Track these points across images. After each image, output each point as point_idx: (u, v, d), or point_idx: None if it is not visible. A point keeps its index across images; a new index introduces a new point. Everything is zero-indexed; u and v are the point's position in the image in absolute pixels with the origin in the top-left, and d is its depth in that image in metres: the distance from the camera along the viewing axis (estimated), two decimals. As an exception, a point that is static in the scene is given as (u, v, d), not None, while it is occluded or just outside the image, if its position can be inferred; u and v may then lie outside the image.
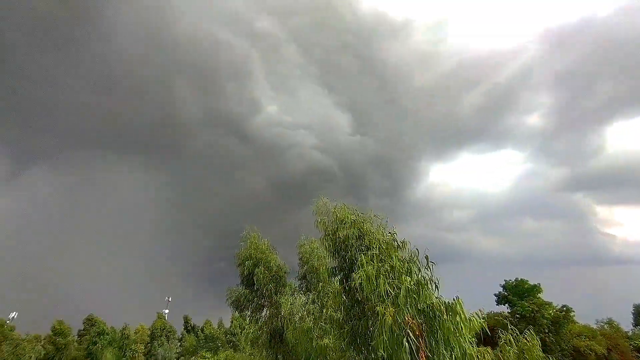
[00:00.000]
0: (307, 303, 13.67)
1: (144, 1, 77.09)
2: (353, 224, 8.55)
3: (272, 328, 13.32)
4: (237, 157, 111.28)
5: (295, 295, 13.82)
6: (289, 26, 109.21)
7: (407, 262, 7.46)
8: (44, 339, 26.13)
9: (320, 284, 12.82)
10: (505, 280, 33.28)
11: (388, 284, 6.65)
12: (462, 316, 6.19)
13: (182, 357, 34.99)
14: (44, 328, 28.50)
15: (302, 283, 14.29)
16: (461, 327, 6.13)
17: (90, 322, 31.10)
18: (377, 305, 6.54)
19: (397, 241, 8.10)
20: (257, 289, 13.37)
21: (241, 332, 39.19)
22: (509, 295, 32.07)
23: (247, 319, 15.06)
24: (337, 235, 8.57)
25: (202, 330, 36.98)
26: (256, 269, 13.33)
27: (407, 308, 6.30)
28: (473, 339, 6.53)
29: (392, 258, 7.41)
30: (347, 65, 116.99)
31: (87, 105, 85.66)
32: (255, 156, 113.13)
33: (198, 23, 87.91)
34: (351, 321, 8.06)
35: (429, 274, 7.20)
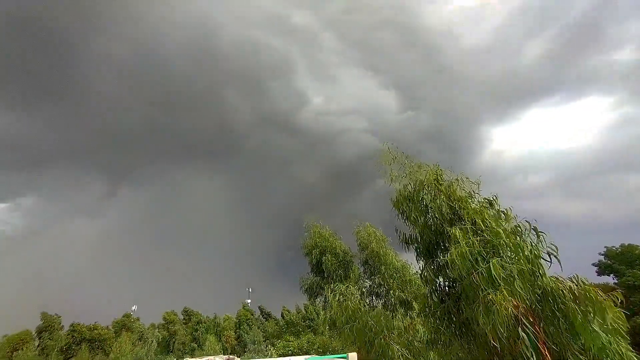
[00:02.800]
0: (373, 287, 13.70)
1: (185, 21, 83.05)
2: (435, 184, 7.07)
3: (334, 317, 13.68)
4: (289, 152, 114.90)
5: (360, 281, 14.01)
6: (323, 15, 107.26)
7: (515, 236, 6.09)
8: (158, 326, 31.26)
9: (384, 267, 12.69)
10: (606, 248, 28.85)
11: (491, 262, 5.53)
12: (594, 296, 5.00)
13: (267, 341, 37.94)
14: (156, 318, 33.90)
15: (365, 268, 14.34)
16: (591, 312, 5.04)
17: (186, 312, 35.87)
18: (480, 289, 5.51)
19: (497, 209, 6.63)
20: (328, 275, 13.79)
21: (317, 317, 41.26)
22: (613, 263, 27.77)
23: (322, 304, 15.58)
24: (415, 200, 7.20)
25: (283, 316, 39.72)
26: (323, 257, 13.72)
27: (520, 292, 5.26)
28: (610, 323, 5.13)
29: (494, 231, 6.04)
30: (388, 42, 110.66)
31: (152, 123, 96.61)
32: (307, 148, 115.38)
33: (237, 30, 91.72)
34: (443, 304, 7.07)
35: (541, 248, 5.84)
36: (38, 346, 24.50)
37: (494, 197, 6.85)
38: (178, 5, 79.72)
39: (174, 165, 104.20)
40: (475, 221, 6.28)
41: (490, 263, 5.51)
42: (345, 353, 11.08)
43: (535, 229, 6.06)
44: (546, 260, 5.88)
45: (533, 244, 5.95)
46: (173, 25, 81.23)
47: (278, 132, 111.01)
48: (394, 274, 11.57)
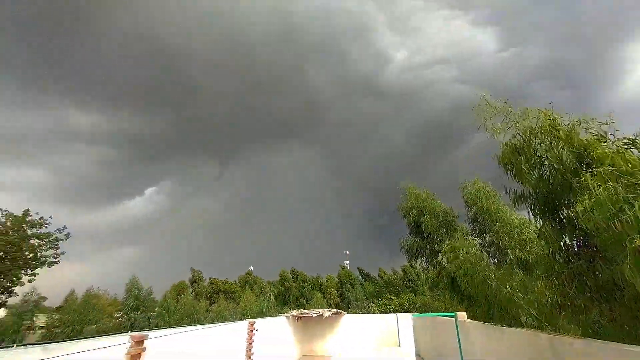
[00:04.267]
0: (483, 246, 12.88)
1: (263, 7, 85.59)
2: (550, 130, 5.99)
3: (449, 272, 13.43)
4: (375, 116, 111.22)
5: (468, 239, 13.26)
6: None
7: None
8: (274, 282, 36.96)
9: (498, 224, 11.71)
10: None
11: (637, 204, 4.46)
12: None
13: (368, 299, 40.11)
14: (269, 276, 39.70)
15: (473, 226, 13.51)
16: None
17: (294, 272, 40.59)
18: (627, 240, 4.45)
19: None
20: (428, 235, 13.63)
21: (417, 278, 41.45)
22: None
23: (424, 264, 15.58)
24: (526, 152, 6.28)
25: (381, 277, 41.31)
26: (422, 218, 13.54)
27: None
28: None
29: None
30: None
31: (246, 108, 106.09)
32: (392, 109, 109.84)
33: (309, 1, 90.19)
34: (570, 265, 6.21)
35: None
36: (192, 292, 32.28)
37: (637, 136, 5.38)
38: None
39: (267, 144, 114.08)
40: (613, 165, 5.10)
41: (637, 205, 4.41)
42: (452, 312, 11.09)
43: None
44: None
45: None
46: (253, 15, 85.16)
47: (361, 98, 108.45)
48: (511, 232, 10.65)
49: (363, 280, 41.74)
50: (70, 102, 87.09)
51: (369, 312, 32.18)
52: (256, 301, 31.38)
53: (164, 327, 20.55)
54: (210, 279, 37.16)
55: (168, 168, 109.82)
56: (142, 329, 20.76)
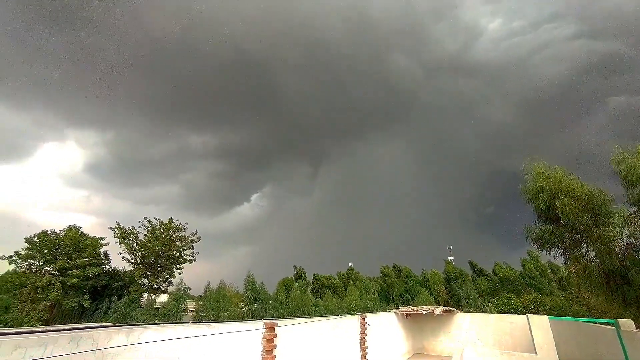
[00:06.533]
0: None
1: (339, 5, 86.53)
2: None
3: (605, 267, 10.63)
4: (470, 95, 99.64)
5: (629, 226, 10.28)
6: None
7: None
8: (375, 279, 36.67)
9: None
10: None
11: None
12: None
13: (481, 297, 36.07)
14: (369, 272, 39.56)
15: (638, 210, 10.38)
16: None
17: (396, 268, 39.36)
18: None
19: None
20: (566, 223, 11.14)
21: (540, 274, 35.09)
22: None
23: (561, 257, 12.86)
24: None
25: (495, 273, 36.54)
26: (557, 202, 11.14)
27: None
28: None
29: None
30: None
31: (331, 105, 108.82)
32: (490, 84, 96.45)
33: None
34: None
35: None
36: (298, 287, 34.81)
37: None
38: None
39: (355, 140, 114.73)
40: None
41: None
42: (613, 319, 8.69)
43: None
44: None
45: None
46: (330, 14, 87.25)
47: (451, 78, 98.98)
48: None
49: (476, 276, 37.69)
50: (188, 127, 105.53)
51: (484, 312, 28.75)
52: (360, 297, 31.68)
53: (278, 317, 22.71)
54: (314, 274, 39.29)
55: (269, 174, 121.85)
56: (261, 317, 23.33)
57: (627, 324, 8.03)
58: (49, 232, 24.19)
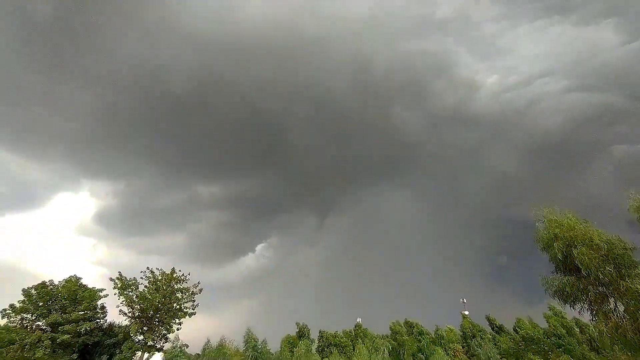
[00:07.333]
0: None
1: (344, 62, 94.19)
2: None
3: (639, 325, 9.71)
4: (473, 145, 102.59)
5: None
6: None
7: None
8: (384, 337, 33.81)
9: None
10: None
11: None
12: None
13: (503, 358, 32.94)
14: (379, 328, 36.74)
15: None
16: None
17: (408, 324, 36.56)
18: None
19: None
20: (588, 274, 10.48)
21: (568, 333, 32.16)
22: None
23: (587, 312, 11.88)
24: None
25: (515, 330, 33.68)
26: (574, 251, 10.63)
27: None
28: None
29: None
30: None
31: (337, 159, 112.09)
32: (491, 135, 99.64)
33: (388, 52, 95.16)
34: None
35: None
36: (303, 346, 32.18)
37: None
38: (339, 55, 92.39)
39: (362, 190, 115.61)
40: None
41: None
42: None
43: None
44: None
45: None
46: (337, 74, 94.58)
47: (453, 129, 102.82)
48: None
49: (495, 333, 34.75)
50: (197, 178, 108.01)
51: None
52: (370, 357, 29.07)
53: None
54: (320, 331, 36.64)
55: (274, 224, 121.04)
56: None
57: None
58: (48, 283, 23.50)
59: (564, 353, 29.00)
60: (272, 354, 27.01)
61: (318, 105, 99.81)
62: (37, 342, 20.44)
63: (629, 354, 11.13)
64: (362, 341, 33.19)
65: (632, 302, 9.70)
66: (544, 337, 32.78)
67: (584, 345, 31.56)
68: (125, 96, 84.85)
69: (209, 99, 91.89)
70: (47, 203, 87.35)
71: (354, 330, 36.37)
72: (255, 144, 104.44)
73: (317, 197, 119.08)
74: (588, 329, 30.80)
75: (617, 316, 10.39)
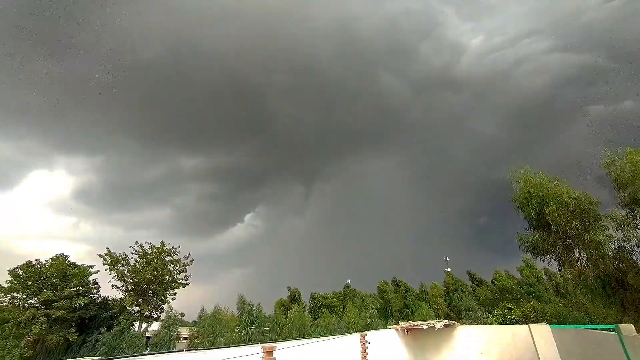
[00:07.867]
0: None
1: (329, 28, 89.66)
2: None
3: (599, 271, 10.71)
4: (457, 110, 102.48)
5: (622, 229, 10.47)
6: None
7: None
8: (372, 295, 36.04)
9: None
10: None
11: None
12: None
13: (482, 308, 35.73)
14: (367, 288, 38.92)
15: (630, 211, 10.63)
16: None
17: (395, 282, 38.86)
18: None
19: None
20: (557, 229, 11.29)
21: (538, 282, 35.08)
22: None
23: (555, 263, 12.92)
24: None
25: (493, 282, 36.40)
26: (546, 209, 11.33)
27: None
28: None
29: None
30: None
31: (323, 126, 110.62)
32: (477, 98, 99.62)
33: (372, 13, 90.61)
34: None
35: None
36: (297, 307, 34.01)
37: None
38: (320, 19, 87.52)
39: (348, 158, 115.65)
40: None
41: None
42: (612, 324, 8.67)
43: None
44: None
45: None
46: (320, 39, 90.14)
47: (439, 96, 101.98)
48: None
49: (475, 286, 37.40)
50: (179, 150, 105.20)
51: (484, 323, 28.32)
52: (359, 314, 31.00)
53: (277, 340, 21.96)
54: (311, 294, 38.45)
55: (262, 194, 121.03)
56: (259, 341, 22.54)
57: (627, 328, 7.96)
58: (34, 262, 23.32)
59: (534, 299, 31.88)
60: (267, 317, 28.41)
61: (300, 72, 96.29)
62: (32, 319, 20.71)
63: (589, 297, 12.23)
64: (352, 301, 35.22)
65: (595, 251, 10.56)
66: (517, 287, 35.77)
67: (551, 291, 34.84)
68: (96, 66, 79.08)
69: (186, 68, 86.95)
70: (21, 182, 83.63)
71: (344, 291, 38.41)
72: (237, 114, 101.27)
73: (303, 166, 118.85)
74: (555, 277, 33.88)
75: (581, 264, 11.35)
